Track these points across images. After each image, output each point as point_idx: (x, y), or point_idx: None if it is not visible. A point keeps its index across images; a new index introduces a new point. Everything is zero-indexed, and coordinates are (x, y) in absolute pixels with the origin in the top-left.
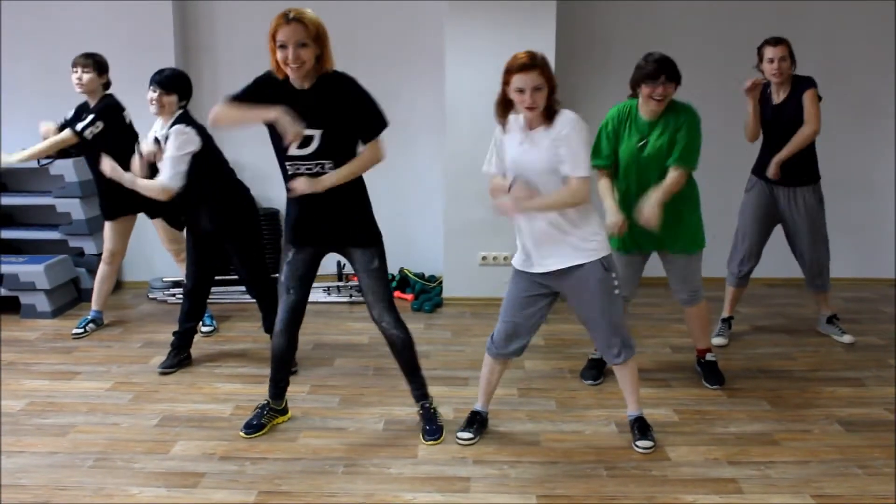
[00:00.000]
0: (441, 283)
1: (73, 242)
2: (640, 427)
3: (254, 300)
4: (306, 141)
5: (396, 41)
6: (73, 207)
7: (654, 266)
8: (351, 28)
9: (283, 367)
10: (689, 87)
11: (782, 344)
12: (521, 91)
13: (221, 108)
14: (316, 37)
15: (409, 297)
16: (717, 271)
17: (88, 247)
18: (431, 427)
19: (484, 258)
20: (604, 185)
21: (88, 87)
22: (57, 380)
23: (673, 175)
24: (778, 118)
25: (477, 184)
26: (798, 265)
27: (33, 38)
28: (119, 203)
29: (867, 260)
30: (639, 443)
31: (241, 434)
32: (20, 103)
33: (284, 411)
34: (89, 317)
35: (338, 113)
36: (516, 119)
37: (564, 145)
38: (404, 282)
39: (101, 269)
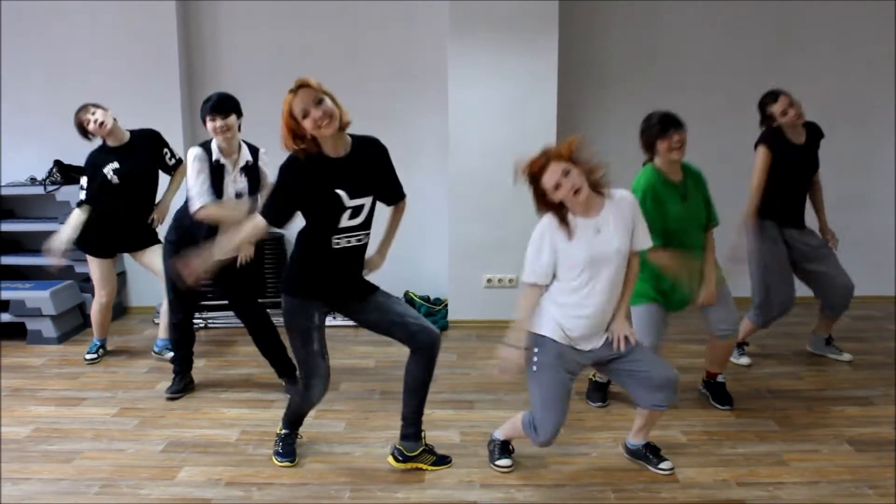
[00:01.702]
0: (446, 305)
1: (79, 268)
2: (653, 450)
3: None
4: (357, 211)
5: (399, 62)
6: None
7: None
8: (353, 49)
9: (306, 414)
10: (692, 96)
11: (789, 364)
12: (557, 186)
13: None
14: (324, 91)
15: None
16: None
17: None
18: (440, 454)
19: (489, 280)
20: (676, 259)
21: (108, 124)
22: (63, 406)
23: (711, 239)
24: (802, 159)
25: (481, 205)
26: (810, 289)
27: (35, 41)
28: (110, 241)
29: (871, 278)
30: (662, 465)
31: (286, 463)
32: (25, 120)
33: (301, 436)
34: (98, 342)
35: (377, 177)
36: (551, 223)
37: (637, 218)
38: (409, 304)
39: (101, 311)
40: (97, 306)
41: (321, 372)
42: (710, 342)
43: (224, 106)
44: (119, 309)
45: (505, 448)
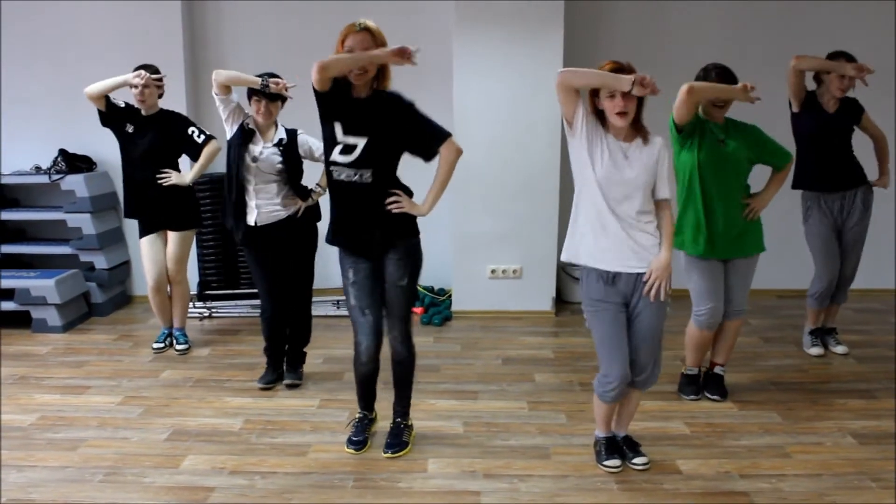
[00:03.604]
0: (450, 296)
1: (84, 257)
2: (631, 444)
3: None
4: (349, 148)
5: None
6: (84, 222)
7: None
8: None
9: (371, 386)
10: None
11: (793, 356)
12: (612, 96)
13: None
14: (381, 47)
15: (419, 310)
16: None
17: (99, 261)
18: (394, 441)
19: (493, 271)
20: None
21: (150, 101)
22: (67, 394)
23: (783, 175)
24: (831, 127)
25: (486, 197)
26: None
27: (41, 32)
28: (144, 217)
29: (873, 270)
30: (636, 460)
31: (350, 451)
32: (29, 110)
33: (375, 419)
34: (164, 331)
35: (385, 125)
36: (596, 127)
37: (663, 167)
38: (413, 295)
39: (152, 297)
40: (149, 295)
41: (362, 328)
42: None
43: (273, 92)
44: (123, 298)
45: (611, 446)
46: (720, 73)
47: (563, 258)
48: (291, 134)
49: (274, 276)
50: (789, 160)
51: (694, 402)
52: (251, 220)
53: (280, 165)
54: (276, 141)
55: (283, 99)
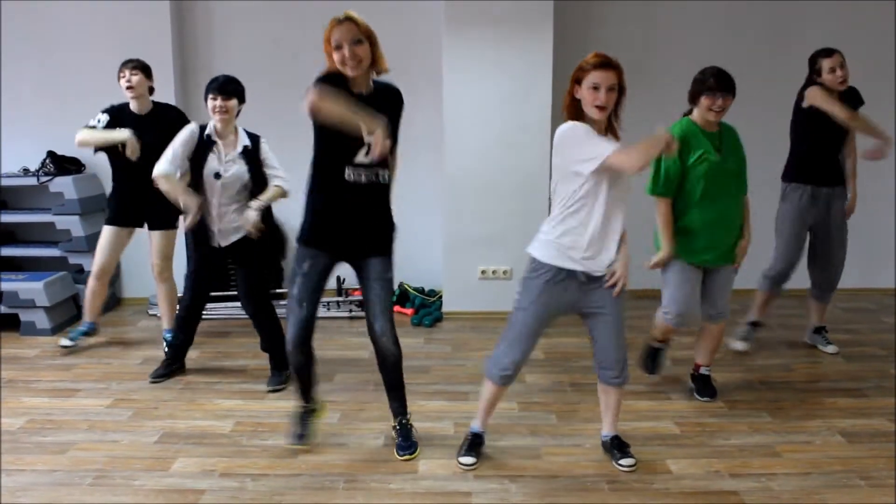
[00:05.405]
0: (441, 297)
1: (73, 259)
2: (619, 445)
3: (249, 318)
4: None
5: (393, 57)
6: (73, 224)
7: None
8: None
9: (307, 376)
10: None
11: (782, 355)
12: (595, 88)
13: (321, 97)
14: (368, 34)
15: (409, 311)
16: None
17: (88, 264)
18: (407, 442)
19: (483, 272)
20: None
21: (139, 90)
22: (56, 397)
23: (747, 203)
24: (834, 122)
25: (476, 197)
26: (806, 274)
27: (30, 35)
28: (121, 210)
29: (867, 270)
30: (622, 461)
31: (296, 446)
32: (20, 109)
33: (318, 408)
34: (82, 329)
35: (394, 121)
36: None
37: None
38: (404, 296)
39: (91, 283)
40: (89, 285)
41: (295, 318)
42: (701, 328)
43: (227, 88)
44: (112, 300)
45: (472, 444)
46: (718, 78)
47: (544, 259)
48: (255, 140)
49: (209, 270)
50: (745, 192)
51: (684, 402)
52: (213, 242)
53: (248, 176)
54: (240, 150)
55: (240, 97)
